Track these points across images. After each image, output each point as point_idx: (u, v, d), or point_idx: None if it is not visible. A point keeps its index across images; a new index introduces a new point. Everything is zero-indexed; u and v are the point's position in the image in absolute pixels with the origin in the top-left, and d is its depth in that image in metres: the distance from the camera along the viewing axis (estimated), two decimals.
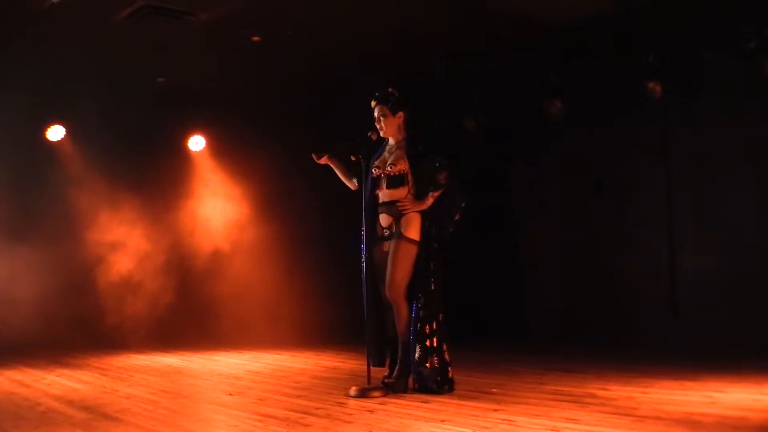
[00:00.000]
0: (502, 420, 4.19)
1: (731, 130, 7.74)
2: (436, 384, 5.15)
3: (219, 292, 10.00)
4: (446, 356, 5.24)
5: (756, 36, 7.02)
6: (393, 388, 5.16)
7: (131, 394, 5.43)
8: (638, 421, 4.13)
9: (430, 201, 5.30)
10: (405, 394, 5.13)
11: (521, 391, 5.25)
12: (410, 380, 5.27)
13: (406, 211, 5.29)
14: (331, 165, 5.63)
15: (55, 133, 9.30)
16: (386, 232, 5.35)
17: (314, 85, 8.98)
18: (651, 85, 7.74)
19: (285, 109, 9.74)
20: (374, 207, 5.41)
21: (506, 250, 9.81)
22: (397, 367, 5.29)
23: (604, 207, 8.84)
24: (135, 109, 9.21)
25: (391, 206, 5.34)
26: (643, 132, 8.43)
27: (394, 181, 5.34)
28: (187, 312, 9.80)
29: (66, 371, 6.85)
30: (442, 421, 4.22)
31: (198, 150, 10.22)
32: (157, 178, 9.82)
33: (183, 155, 10.19)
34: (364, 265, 5.30)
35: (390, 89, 5.43)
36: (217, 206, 10.32)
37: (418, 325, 5.20)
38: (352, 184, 5.62)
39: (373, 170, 5.41)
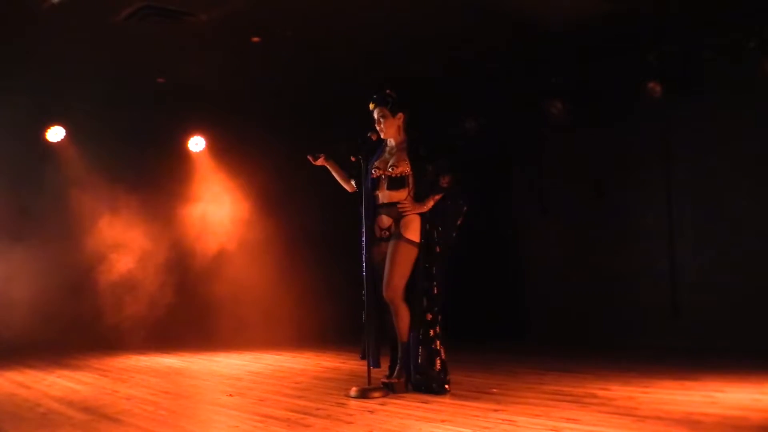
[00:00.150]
0: (503, 420, 4.19)
1: (731, 129, 7.74)
2: (438, 385, 5.17)
3: (219, 293, 10.01)
4: (444, 356, 5.26)
5: (756, 36, 7.02)
6: (394, 388, 5.16)
7: (132, 395, 5.43)
8: (638, 421, 4.13)
9: (430, 204, 5.30)
10: (405, 395, 5.13)
11: (521, 391, 5.25)
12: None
13: (406, 213, 5.30)
14: (328, 166, 5.61)
15: (55, 133, 9.31)
16: (385, 234, 5.35)
17: (314, 85, 8.98)
18: (651, 85, 7.75)
19: (285, 110, 9.75)
20: (373, 208, 5.40)
21: (506, 250, 9.81)
22: (397, 368, 5.29)
23: (604, 207, 8.84)
24: (135, 110, 9.21)
25: (391, 208, 5.34)
26: (643, 132, 8.43)
27: (395, 183, 5.34)
28: (187, 312, 9.81)
29: (66, 372, 6.85)
30: (443, 421, 4.21)
31: (198, 151, 10.23)
32: (157, 178, 9.83)
33: (183, 156, 10.19)
34: (363, 265, 5.30)
35: (388, 91, 5.43)
36: (217, 207, 10.33)
37: (423, 329, 5.22)
38: (349, 186, 5.61)
39: (373, 171, 5.41)
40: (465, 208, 5.38)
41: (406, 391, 5.20)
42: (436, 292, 5.28)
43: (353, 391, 5.12)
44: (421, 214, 5.29)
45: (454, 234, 5.41)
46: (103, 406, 4.99)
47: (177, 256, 10.00)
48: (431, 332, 5.23)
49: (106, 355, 8.17)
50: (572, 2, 6.77)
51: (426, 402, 4.85)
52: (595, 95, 8.29)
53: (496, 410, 4.50)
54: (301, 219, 9.94)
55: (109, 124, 9.18)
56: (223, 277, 10.12)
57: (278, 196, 10.05)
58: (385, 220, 5.35)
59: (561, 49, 7.92)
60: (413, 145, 5.42)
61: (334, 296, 9.21)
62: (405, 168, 5.34)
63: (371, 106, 5.43)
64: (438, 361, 5.21)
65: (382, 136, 5.44)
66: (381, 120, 5.40)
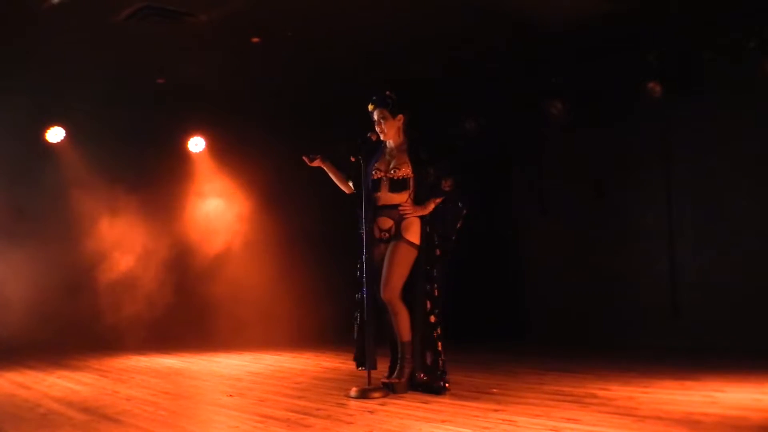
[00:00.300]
0: (503, 420, 4.19)
1: (731, 129, 7.74)
2: (441, 385, 5.19)
3: (218, 293, 10.02)
4: (443, 357, 5.29)
5: (756, 36, 7.02)
6: (395, 388, 5.16)
7: (132, 396, 5.43)
8: (639, 421, 4.13)
9: (431, 207, 5.32)
10: (405, 395, 5.13)
11: (521, 391, 5.25)
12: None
13: (407, 216, 5.31)
14: (324, 167, 5.58)
15: (55, 134, 9.31)
16: (385, 235, 5.36)
17: (314, 85, 8.98)
18: (651, 85, 7.75)
19: (285, 110, 9.75)
20: (373, 209, 5.40)
21: (506, 250, 9.81)
22: (398, 368, 5.29)
23: (604, 207, 8.84)
24: (135, 110, 9.21)
25: (392, 210, 5.34)
26: (643, 132, 8.43)
27: (397, 185, 5.34)
28: (187, 313, 9.82)
29: (66, 373, 6.85)
30: (443, 421, 4.21)
31: (198, 151, 10.22)
32: (156, 179, 9.83)
33: (183, 156, 10.19)
34: (364, 266, 5.29)
35: (387, 92, 5.42)
36: (217, 207, 10.33)
37: (427, 331, 5.25)
38: (347, 187, 5.60)
39: (373, 172, 5.40)
40: (465, 212, 5.41)
41: (407, 391, 5.19)
42: (436, 294, 5.30)
43: (353, 391, 5.12)
44: (421, 217, 5.31)
45: (453, 237, 5.44)
46: (103, 406, 4.99)
47: (176, 256, 10.00)
48: (434, 334, 5.26)
49: (106, 356, 8.17)
50: (572, 2, 6.77)
51: (426, 402, 4.85)
52: (595, 95, 8.29)
53: (496, 410, 4.50)
54: (300, 219, 9.94)
55: (109, 124, 9.19)
56: (223, 277, 10.12)
57: (278, 196, 10.05)
58: (386, 222, 5.35)
59: (561, 49, 7.92)
60: (414, 147, 5.43)
61: (333, 296, 9.21)
62: (407, 170, 5.34)
63: (370, 107, 5.42)
64: (440, 362, 5.24)
65: (381, 138, 5.44)
66: (381, 121, 5.39)
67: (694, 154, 8.11)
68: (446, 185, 5.35)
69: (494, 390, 5.28)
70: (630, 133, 8.51)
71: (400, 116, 5.41)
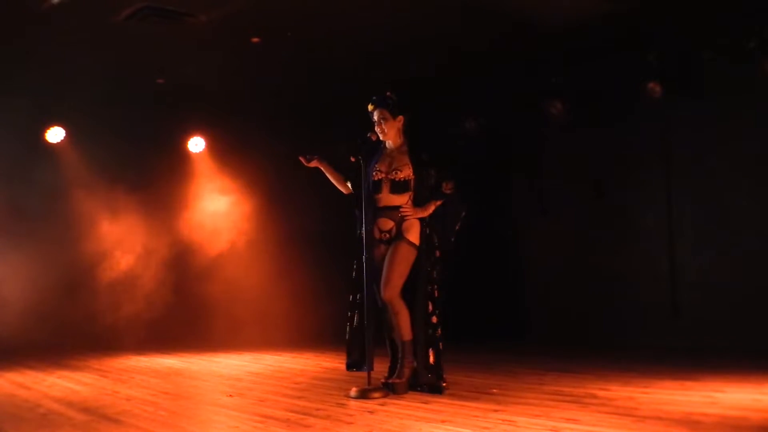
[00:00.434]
0: (503, 420, 4.19)
1: (731, 129, 7.74)
2: (442, 385, 5.22)
3: (218, 293, 10.02)
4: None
5: (756, 36, 7.02)
6: (395, 389, 5.15)
7: (132, 396, 5.43)
8: (638, 421, 4.13)
9: (431, 209, 5.35)
10: (405, 395, 5.13)
11: (521, 391, 5.25)
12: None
13: (408, 217, 5.31)
14: (322, 168, 5.57)
15: (55, 134, 9.31)
16: (385, 236, 5.36)
17: (314, 85, 8.98)
18: (651, 85, 7.75)
19: (285, 110, 9.74)
20: (373, 210, 5.40)
21: (506, 250, 9.81)
22: (399, 368, 5.28)
23: (604, 207, 8.84)
24: (134, 111, 9.21)
25: (393, 211, 5.35)
26: (643, 132, 8.43)
27: (398, 187, 5.34)
28: (186, 313, 9.82)
29: (66, 373, 6.85)
30: (443, 421, 4.21)
31: (198, 151, 10.22)
32: (156, 179, 9.83)
33: (183, 156, 10.19)
34: (364, 266, 5.29)
35: (388, 93, 5.42)
36: (217, 207, 10.33)
37: (430, 331, 5.27)
38: (345, 188, 5.59)
39: (374, 173, 5.39)
40: (463, 214, 5.42)
41: (408, 391, 5.19)
42: (436, 295, 5.33)
43: (353, 391, 5.12)
44: (421, 219, 5.34)
45: (452, 239, 5.46)
46: (103, 406, 4.99)
47: (176, 256, 10.00)
48: (437, 333, 5.29)
49: (106, 356, 8.17)
50: (572, 2, 6.77)
51: (426, 402, 4.85)
52: (595, 95, 8.28)
53: (496, 410, 4.50)
54: (300, 219, 9.94)
55: (109, 124, 9.18)
56: (223, 277, 10.12)
57: (279, 196, 10.05)
58: (387, 223, 5.36)
59: (561, 49, 7.92)
60: (415, 149, 5.43)
61: (333, 297, 9.19)
62: (408, 172, 5.35)
63: (370, 107, 5.42)
64: (441, 362, 5.27)
65: (381, 138, 5.43)
66: (382, 122, 5.38)
67: (694, 154, 8.11)
68: (447, 188, 5.37)
69: (494, 390, 5.29)
70: (630, 133, 8.50)
71: (400, 117, 5.41)
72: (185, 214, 10.17)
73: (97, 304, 9.44)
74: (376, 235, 5.38)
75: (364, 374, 5.23)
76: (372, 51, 7.86)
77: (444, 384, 5.21)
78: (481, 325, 9.18)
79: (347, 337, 5.46)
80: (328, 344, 8.79)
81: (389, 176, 5.36)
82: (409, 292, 5.30)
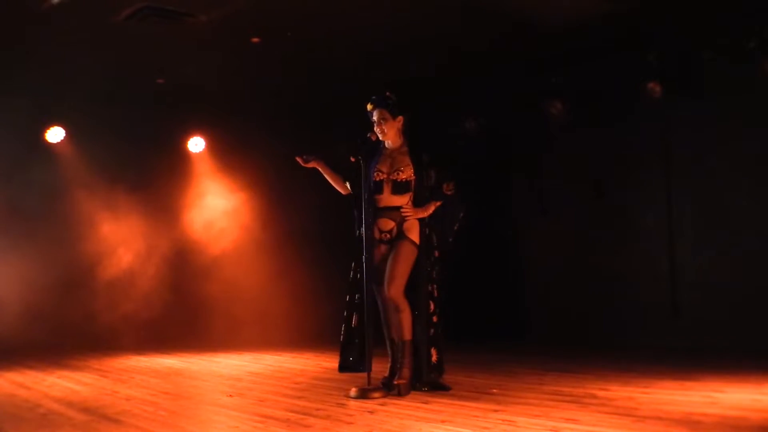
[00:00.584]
0: (502, 420, 4.19)
1: (731, 129, 7.74)
2: (443, 381, 5.25)
3: (219, 293, 10.01)
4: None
5: (756, 36, 7.02)
6: (400, 390, 5.11)
7: (132, 396, 5.43)
8: (638, 421, 4.12)
9: (432, 209, 5.35)
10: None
11: (521, 391, 5.24)
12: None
13: (409, 218, 5.32)
14: (319, 168, 5.53)
15: (55, 134, 9.31)
16: (386, 236, 5.36)
17: (314, 85, 8.98)
18: (651, 85, 7.75)
19: (285, 110, 9.75)
20: (373, 210, 5.39)
21: (506, 250, 9.81)
22: (399, 369, 5.27)
23: (604, 207, 8.84)
24: (134, 111, 9.21)
25: (394, 211, 5.35)
26: (643, 132, 8.43)
27: (400, 187, 5.34)
28: (186, 313, 9.82)
29: (66, 373, 6.85)
30: (443, 421, 4.21)
31: (198, 151, 10.22)
32: (156, 179, 9.83)
33: (182, 156, 10.19)
34: (363, 267, 5.29)
35: (387, 93, 5.41)
36: (217, 207, 10.33)
37: (432, 330, 5.30)
38: (343, 188, 5.56)
39: (375, 174, 5.39)
40: (461, 214, 5.43)
41: (410, 392, 5.17)
42: (437, 294, 5.35)
43: (353, 391, 5.12)
44: (420, 219, 5.34)
45: (451, 239, 5.47)
46: (103, 406, 4.99)
47: (176, 256, 10.01)
48: (438, 332, 5.32)
49: (106, 356, 8.17)
50: (572, 2, 6.77)
51: (426, 402, 4.85)
52: (595, 95, 8.29)
53: (496, 410, 4.49)
54: (300, 219, 9.94)
55: (109, 124, 9.18)
56: (223, 277, 10.12)
57: (279, 196, 10.05)
58: (387, 224, 5.36)
59: (561, 49, 7.92)
60: (415, 149, 5.43)
61: (333, 296, 9.18)
62: (409, 173, 5.34)
63: (369, 107, 5.40)
64: (443, 360, 5.31)
65: (381, 138, 5.43)
66: (381, 122, 5.38)
67: (694, 154, 8.11)
68: (447, 189, 5.37)
69: (494, 390, 5.28)
70: (630, 133, 8.50)
71: (400, 118, 5.40)
72: (185, 214, 10.17)
73: (96, 303, 9.44)
74: (376, 235, 5.38)
75: (363, 374, 5.23)
76: (372, 51, 7.86)
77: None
78: (481, 325, 9.18)
79: (342, 337, 5.45)
80: (328, 344, 8.77)
81: (391, 177, 5.36)
82: (409, 291, 5.31)
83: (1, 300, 8.89)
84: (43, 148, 9.25)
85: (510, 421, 4.17)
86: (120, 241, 9.72)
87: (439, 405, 4.74)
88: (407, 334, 5.28)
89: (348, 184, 5.53)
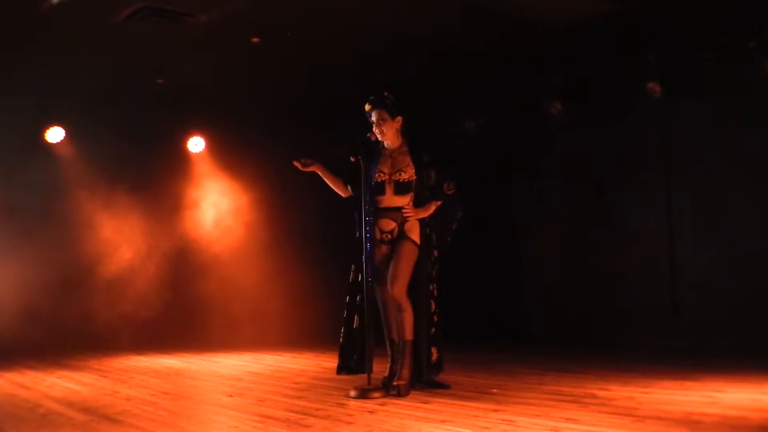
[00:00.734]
0: (502, 420, 4.19)
1: (731, 130, 7.74)
2: (442, 381, 5.28)
3: (218, 293, 10.01)
4: None
5: (756, 36, 7.02)
6: (401, 391, 5.10)
7: (132, 396, 5.43)
8: (638, 421, 4.12)
9: (432, 209, 5.36)
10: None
11: (521, 391, 5.25)
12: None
13: (410, 218, 5.32)
14: (319, 173, 5.49)
15: (55, 134, 9.31)
16: (387, 237, 5.36)
17: (314, 85, 8.98)
18: (651, 85, 7.75)
19: (284, 110, 9.74)
20: (374, 211, 5.39)
21: (506, 250, 9.81)
22: (400, 369, 5.27)
23: (604, 207, 8.84)
24: (134, 111, 9.21)
25: (395, 212, 5.35)
26: (643, 132, 8.43)
27: (402, 188, 5.34)
28: (186, 313, 9.82)
29: (66, 373, 6.85)
30: (443, 421, 4.21)
31: (197, 151, 10.22)
32: (156, 179, 9.83)
33: (182, 156, 10.19)
34: (364, 267, 5.29)
35: (385, 93, 5.40)
36: (217, 207, 10.33)
37: (433, 330, 5.32)
38: (344, 191, 5.54)
39: (376, 175, 5.38)
40: (460, 214, 5.44)
41: (410, 392, 5.17)
42: (436, 294, 5.36)
43: (353, 391, 5.12)
44: (421, 219, 5.35)
45: (449, 239, 5.48)
46: (103, 406, 4.99)
47: (176, 255, 10.00)
48: (439, 331, 5.35)
49: (106, 356, 8.17)
50: (572, 2, 6.77)
51: (426, 402, 4.85)
52: (595, 95, 8.28)
53: (496, 410, 4.50)
54: (301, 219, 9.94)
55: (109, 124, 9.18)
56: (223, 277, 10.12)
57: (279, 196, 10.05)
58: (388, 224, 5.36)
59: (561, 49, 7.92)
60: (415, 149, 5.43)
61: (333, 297, 9.18)
62: (411, 173, 5.35)
63: (368, 107, 5.39)
64: (443, 359, 5.34)
65: (380, 139, 5.42)
66: (381, 123, 5.37)
67: (694, 154, 8.11)
68: (448, 188, 5.38)
69: (494, 390, 5.28)
70: (630, 133, 8.50)
71: (399, 118, 5.40)
72: (185, 213, 10.17)
73: (95, 303, 9.43)
74: (378, 235, 5.38)
75: (363, 374, 5.23)
76: (372, 51, 7.86)
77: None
78: (481, 325, 9.18)
79: (342, 339, 5.44)
80: (328, 344, 8.76)
81: (393, 177, 5.36)
82: (410, 291, 5.31)
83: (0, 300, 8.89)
84: (43, 148, 9.25)
85: (510, 421, 4.17)
86: (120, 241, 9.72)
87: (439, 405, 4.74)
88: (408, 334, 5.28)
89: (349, 187, 5.51)
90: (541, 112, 8.56)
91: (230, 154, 10.09)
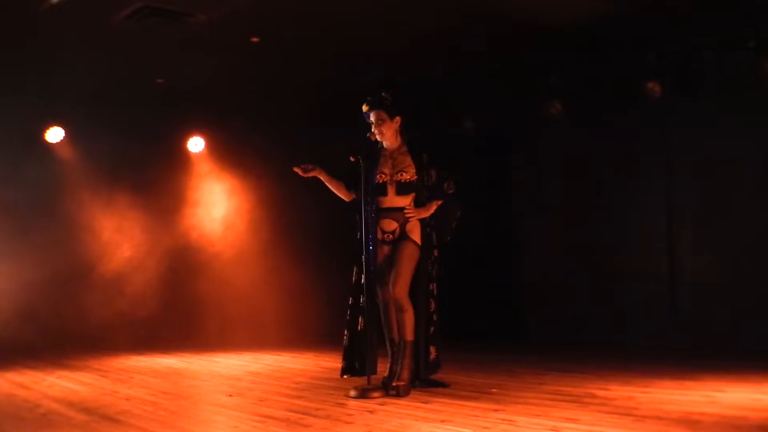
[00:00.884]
0: (502, 420, 4.19)
1: (731, 129, 7.73)
2: (440, 379, 5.30)
3: (218, 293, 10.01)
4: None
5: (756, 36, 7.02)
6: (400, 392, 5.10)
7: (131, 396, 5.43)
8: (638, 420, 4.13)
9: (433, 208, 5.37)
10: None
11: (521, 391, 5.25)
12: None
13: (412, 218, 5.32)
14: (321, 178, 5.46)
15: (55, 134, 9.30)
16: (389, 237, 5.36)
17: (313, 86, 8.98)
18: (651, 85, 7.74)
19: (284, 110, 9.74)
20: (376, 211, 5.38)
21: (506, 250, 9.80)
22: (400, 369, 5.26)
23: (604, 207, 8.83)
24: (134, 111, 9.21)
25: (396, 212, 5.35)
26: (643, 132, 8.43)
27: (404, 188, 5.34)
28: (186, 313, 9.82)
29: (66, 373, 6.85)
30: (443, 421, 4.22)
31: (197, 151, 10.22)
32: (156, 179, 9.82)
33: (182, 156, 10.19)
34: (364, 268, 5.29)
35: (383, 93, 5.38)
36: (217, 207, 10.33)
37: (432, 329, 5.34)
38: (347, 195, 5.50)
39: (378, 176, 5.37)
40: (459, 213, 5.44)
41: (410, 392, 5.17)
42: (435, 293, 5.37)
43: (353, 391, 5.12)
44: (422, 219, 5.35)
45: (449, 238, 5.49)
46: (102, 406, 4.99)
47: (176, 255, 10.00)
48: (437, 331, 5.36)
49: (105, 356, 8.17)
50: (572, 2, 6.76)
51: (426, 402, 4.85)
52: (595, 95, 8.28)
53: (495, 410, 4.50)
54: (301, 219, 9.94)
55: (108, 124, 9.18)
56: (223, 277, 10.12)
57: (278, 196, 10.05)
58: (390, 225, 5.36)
59: (561, 49, 7.92)
60: (415, 149, 5.42)
61: (333, 296, 9.19)
62: (413, 173, 5.34)
63: (365, 108, 5.37)
64: (441, 357, 5.36)
65: (379, 139, 5.41)
66: (380, 123, 5.36)
67: (693, 153, 8.11)
68: (448, 187, 5.38)
69: (494, 390, 5.29)
70: (630, 132, 8.50)
71: (398, 118, 5.39)
72: (185, 213, 10.16)
73: (95, 303, 9.43)
74: (379, 236, 5.38)
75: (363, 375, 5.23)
76: (372, 51, 7.86)
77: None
78: (480, 325, 9.18)
79: (346, 341, 5.42)
80: (328, 344, 8.79)
81: (394, 178, 5.35)
82: (410, 290, 5.31)
83: None
84: (43, 148, 9.24)
85: (510, 420, 4.18)
86: (119, 241, 9.71)
87: (439, 405, 4.74)
88: (409, 335, 5.28)
89: (351, 191, 5.49)
90: (541, 112, 8.55)
91: (230, 154, 10.09)
